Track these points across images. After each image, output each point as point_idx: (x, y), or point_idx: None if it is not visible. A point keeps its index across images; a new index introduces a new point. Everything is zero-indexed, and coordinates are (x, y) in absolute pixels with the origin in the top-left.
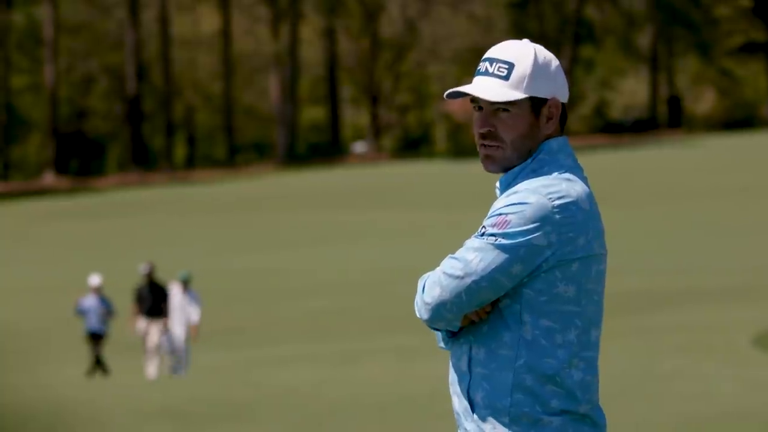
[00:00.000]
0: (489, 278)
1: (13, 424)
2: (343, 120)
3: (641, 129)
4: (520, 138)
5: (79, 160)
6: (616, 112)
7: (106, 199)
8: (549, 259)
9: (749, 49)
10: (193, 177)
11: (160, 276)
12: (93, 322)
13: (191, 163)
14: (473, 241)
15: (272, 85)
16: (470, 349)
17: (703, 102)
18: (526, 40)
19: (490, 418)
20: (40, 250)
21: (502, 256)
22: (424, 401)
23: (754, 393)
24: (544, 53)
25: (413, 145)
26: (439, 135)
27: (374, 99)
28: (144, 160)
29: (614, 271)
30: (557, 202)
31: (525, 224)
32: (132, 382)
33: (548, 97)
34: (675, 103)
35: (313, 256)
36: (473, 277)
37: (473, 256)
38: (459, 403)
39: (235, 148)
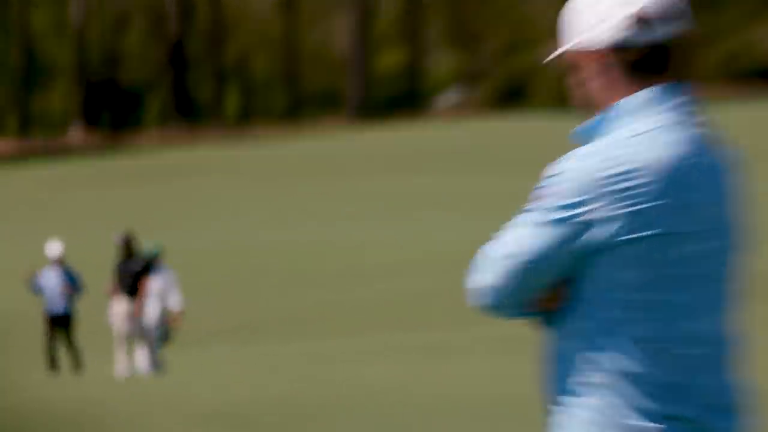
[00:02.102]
0: (536, 258)
1: (34, 426)
2: (427, 67)
3: None
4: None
5: (112, 113)
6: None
7: (144, 160)
8: (603, 238)
9: None
10: (247, 134)
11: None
12: (53, 302)
13: (246, 117)
14: (521, 217)
15: (342, 25)
16: (551, 338)
17: None
18: None
19: (562, 411)
20: (66, 222)
21: (546, 234)
22: (525, 402)
23: None
24: None
25: (512, 96)
26: (542, 84)
27: (465, 41)
28: (189, 113)
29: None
30: (610, 171)
31: (571, 197)
32: (181, 379)
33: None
34: None
35: (390, 228)
36: (520, 258)
37: (518, 234)
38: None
39: (298, 99)
